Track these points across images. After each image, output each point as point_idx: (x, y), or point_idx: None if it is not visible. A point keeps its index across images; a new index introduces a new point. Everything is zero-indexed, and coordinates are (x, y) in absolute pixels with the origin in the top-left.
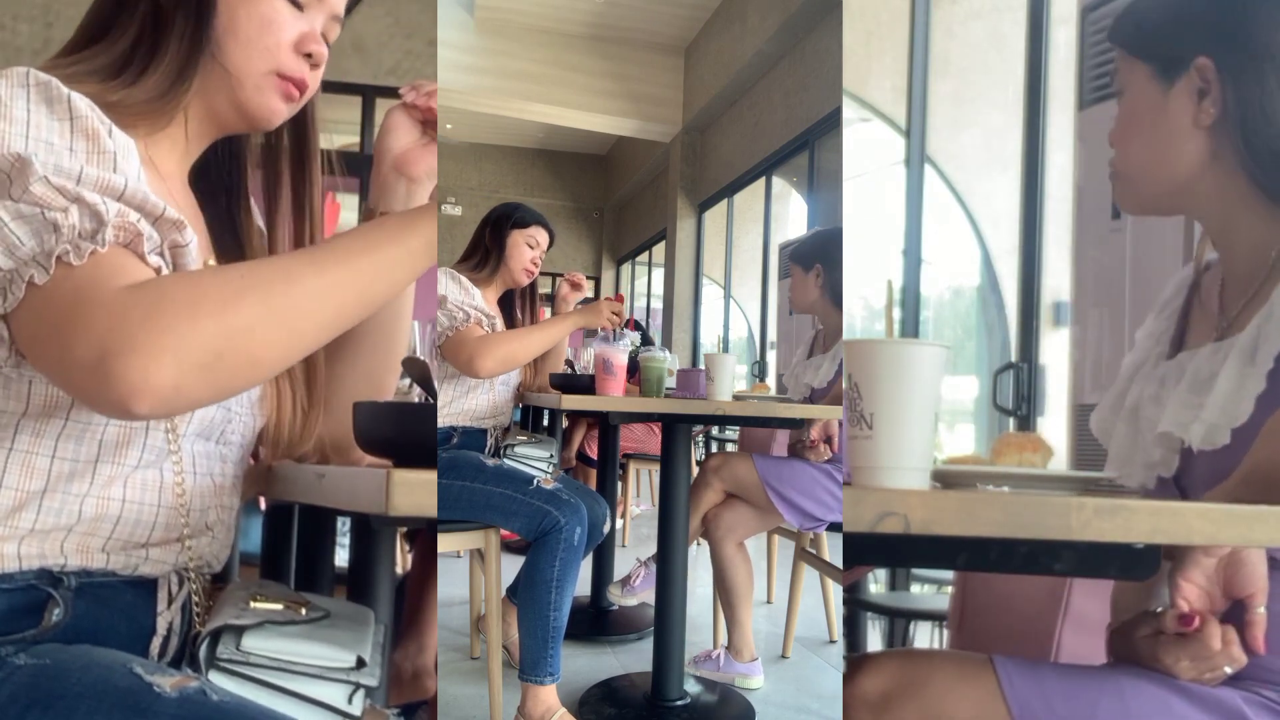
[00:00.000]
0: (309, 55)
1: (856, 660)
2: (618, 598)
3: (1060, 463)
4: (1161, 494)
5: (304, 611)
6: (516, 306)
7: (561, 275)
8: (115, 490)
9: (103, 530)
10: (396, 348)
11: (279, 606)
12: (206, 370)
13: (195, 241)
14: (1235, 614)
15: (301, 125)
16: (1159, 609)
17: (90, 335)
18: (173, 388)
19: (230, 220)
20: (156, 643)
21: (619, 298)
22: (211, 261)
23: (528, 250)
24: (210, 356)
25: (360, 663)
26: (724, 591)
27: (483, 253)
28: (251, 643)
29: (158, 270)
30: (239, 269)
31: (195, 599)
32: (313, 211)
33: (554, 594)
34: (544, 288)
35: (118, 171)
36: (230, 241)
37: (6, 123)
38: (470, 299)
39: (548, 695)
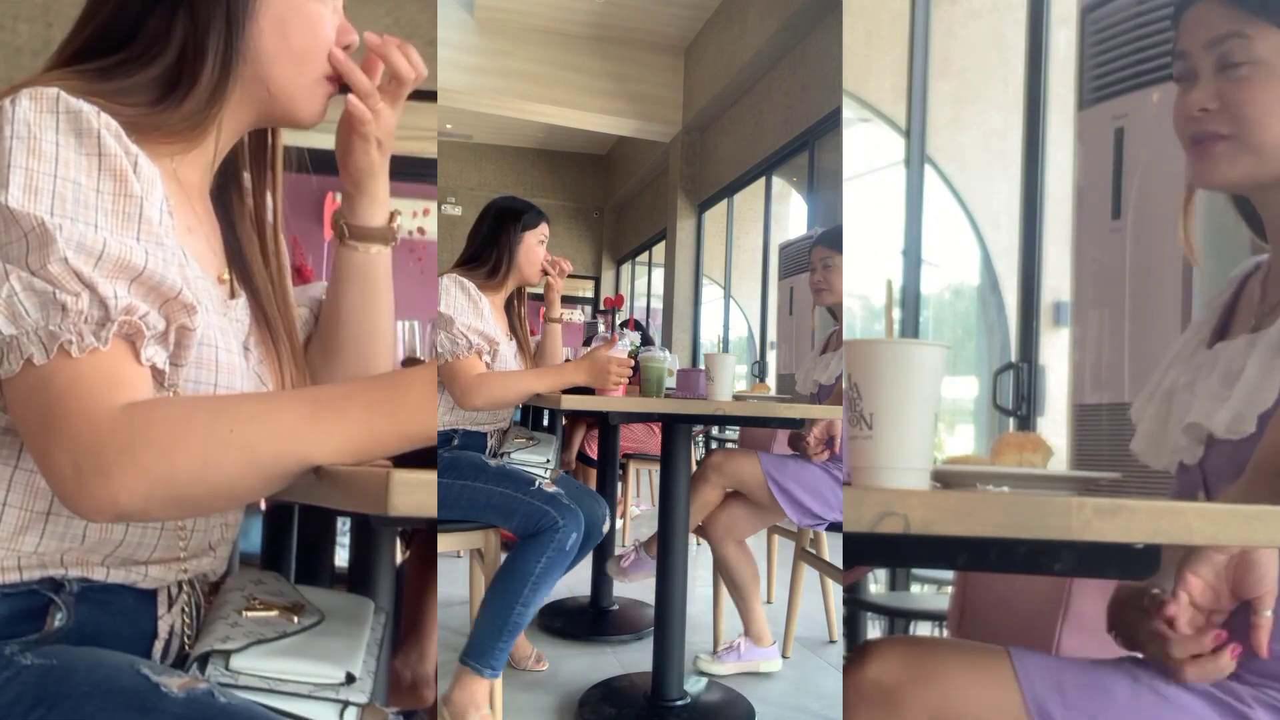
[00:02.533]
0: (346, 46)
1: (860, 648)
2: (614, 572)
3: (1060, 463)
4: (1183, 479)
5: (296, 620)
6: (514, 307)
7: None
8: None
9: (104, 549)
10: (381, 351)
11: (273, 614)
12: (173, 503)
13: (202, 325)
14: (1242, 615)
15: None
16: (1157, 590)
17: (69, 445)
18: (139, 512)
19: (250, 227)
20: (159, 646)
21: (619, 298)
22: (225, 275)
23: (540, 251)
24: (180, 493)
25: (349, 678)
26: (732, 588)
27: (494, 257)
28: (240, 663)
29: (154, 368)
30: (231, 415)
31: (188, 608)
32: (274, 206)
33: (528, 590)
34: (540, 286)
35: (143, 221)
36: (238, 254)
37: (36, 159)
38: (478, 320)
39: (480, 690)
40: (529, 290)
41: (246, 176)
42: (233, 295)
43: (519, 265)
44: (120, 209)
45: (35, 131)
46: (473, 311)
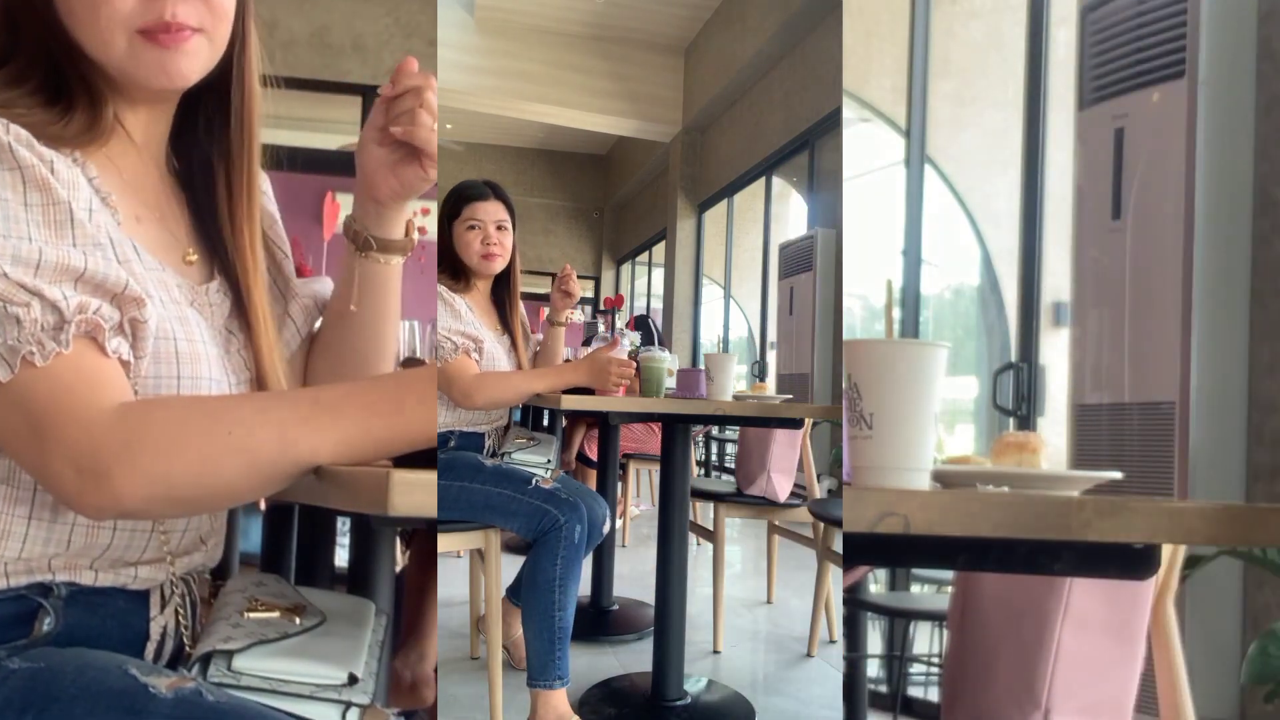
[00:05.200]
0: None
1: None
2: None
3: (1060, 463)
4: None
5: (299, 621)
6: (497, 303)
7: (553, 276)
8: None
9: (92, 552)
10: (387, 358)
11: (275, 615)
12: (173, 504)
13: (155, 317)
14: None
15: (224, 90)
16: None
17: (66, 451)
18: (142, 511)
19: (213, 207)
20: (151, 648)
21: (619, 298)
22: (192, 256)
23: (472, 236)
24: (179, 494)
25: (352, 679)
26: None
27: (446, 260)
28: (242, 663)
29: (121, 360)
30: (229, 417)
31: (182, 608)
32: (248, 184)
33: (558, 594)
34: (541, 286)
35: (75, 225)
36: (212, 231)
37: None
38: (458, 322)
39: (559, 701)
40: (527, 289)
41: (213, 155)
42: (209, 278)
43: (459, 257)
44: (51, 219)
45: None
46: (449, 314)
